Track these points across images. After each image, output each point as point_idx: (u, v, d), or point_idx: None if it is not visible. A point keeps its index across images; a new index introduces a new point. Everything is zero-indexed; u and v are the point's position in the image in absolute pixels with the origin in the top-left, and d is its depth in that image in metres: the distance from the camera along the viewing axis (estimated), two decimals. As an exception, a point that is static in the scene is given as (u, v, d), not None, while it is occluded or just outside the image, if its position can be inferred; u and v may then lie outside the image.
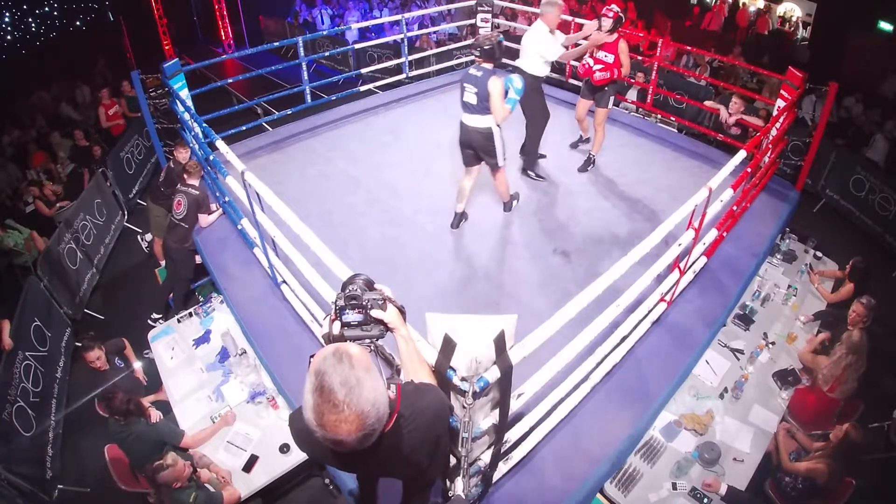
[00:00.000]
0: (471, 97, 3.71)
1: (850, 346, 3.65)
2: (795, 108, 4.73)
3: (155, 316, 5.00)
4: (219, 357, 4.02)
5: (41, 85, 8.98)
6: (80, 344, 4.51)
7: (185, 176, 4.43)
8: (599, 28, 4.47)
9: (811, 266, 4.78)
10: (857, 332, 3.70)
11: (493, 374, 1.87)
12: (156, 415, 3.55)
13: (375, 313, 1.52)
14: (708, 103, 5.34)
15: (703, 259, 3.71)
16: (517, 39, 5.10)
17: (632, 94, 6.98)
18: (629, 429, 2.80)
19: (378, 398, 1.23)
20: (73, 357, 4.76)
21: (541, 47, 4.38)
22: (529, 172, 4.86)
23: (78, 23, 11.98)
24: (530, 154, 4.84)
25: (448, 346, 1.79)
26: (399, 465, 1.52)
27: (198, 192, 4.36)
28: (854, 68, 8.19)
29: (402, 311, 1.59)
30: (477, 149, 3.92)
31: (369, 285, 1.56)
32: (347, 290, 1.52)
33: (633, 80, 6.77)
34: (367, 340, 1.54)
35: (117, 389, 3.44)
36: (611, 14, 4.37)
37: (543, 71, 4.54)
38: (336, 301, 1.52)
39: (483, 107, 3.69)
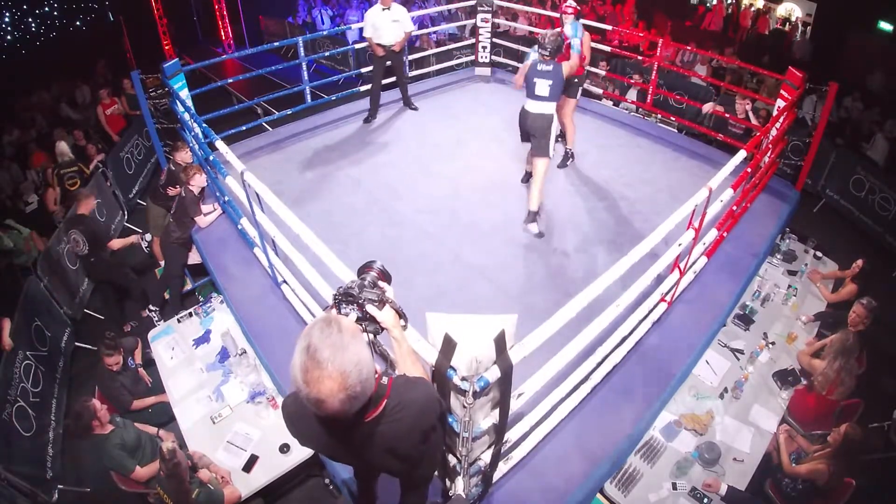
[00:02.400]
0: (544, 89, 3.96)
1: (839, 348, 3.65)
2: (795, 108, 4.73)
3: (152, 307, 5.01)
4: (219, 357, 4.02)
5: (41, 85, 8.97)
6: (92, 347, 4.53)
7: (185, 181, 4.44)
8: (561, 25, 4.62)
9: (816, 266, 4.78)
10: (844, 333, 3.70)
11: (494, 374, 1.87)
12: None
13: (370, 310, 1.55)
14: (707, 108, 5.36)
15: (703, 259, 3.71)
16: (516, 40, 5.12)
17: (632, 95, 6.98)
18: (629, 429, 2.80)
19: (362, 361, 1.26)
20: (73, 357, 4.76)
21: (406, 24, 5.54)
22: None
23: (78, 23, 11.99)
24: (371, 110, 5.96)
25: (448, 346, 1.79)
26: (384, 454, 1.54)
27: (185, 196, 4.40)
28: (854, 68, 8.19)
29: (401, 313, 1.62)
30: (536, 132, 4.13)
31: (375, 281, 1.60)
32: (348, 285, 1.56)
33: (631, 80, 6.79)
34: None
35: (78, 409, 3.26)
36: (570, 10, 4.56)
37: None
38: (335, 294, 1.56)
39: (554, 94, 3.99)
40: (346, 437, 1.45)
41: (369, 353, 1.33)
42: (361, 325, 1.54)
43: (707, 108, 5.15)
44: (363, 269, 1.65)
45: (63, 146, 6.40)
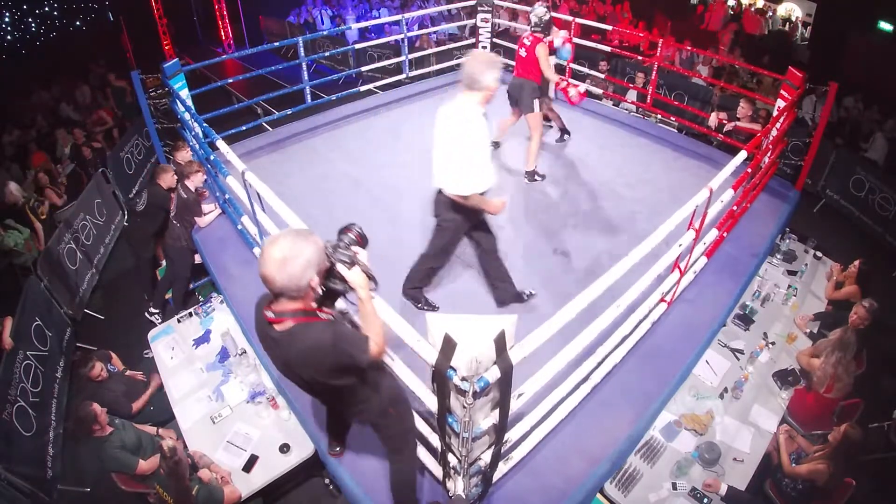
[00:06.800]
0: None
1: (835, 343, 3.65)
2: (795, 108, 4.73)
3: (153, 310, 5.01)
4: (219, 357, 4.02)
5: (41, 85, 8.98)
6: (92, 347, 4.57)
7: (184, 178, 4.43)
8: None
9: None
10: (843, 330, 3.70)
11: (494, 374, 1.87)
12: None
13: (340, 268, 1.71)
14: (712, 121, 5.32)
15: (704, 259, 3.71)
16: (515, 40, 5.12)
17: (631, 95, 6.98)
18: (629, 429, 2.80)
19: (304, 255, 1.57)
20: (74, 357, 4.76)
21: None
22: None
23: (78, 23, 12.00)
24: None
25: (448, 346, 1.79)
26: (284, 365, 1.81)
27: (186, 196, 4.38)
28: (854, 68, 8.19)
29: (370, 275, 1.79)
30: None
31: (350, 243, 1.78)
32: (323, 245, 1.71)
33: (631, 85, 6.77)
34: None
35: (81, 414, 3.24)
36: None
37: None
38: None
39: None
40: (267, 334, 1.71)
41: (316, 257, 1.61)
42: (332, 281, 1.73)
43: (713, 121, 5.17)
44: (343, 231, 1.83)
45: (11, 187, 5.59)
